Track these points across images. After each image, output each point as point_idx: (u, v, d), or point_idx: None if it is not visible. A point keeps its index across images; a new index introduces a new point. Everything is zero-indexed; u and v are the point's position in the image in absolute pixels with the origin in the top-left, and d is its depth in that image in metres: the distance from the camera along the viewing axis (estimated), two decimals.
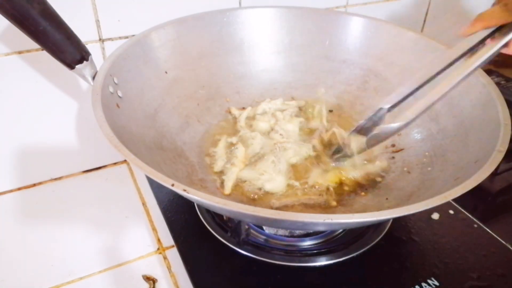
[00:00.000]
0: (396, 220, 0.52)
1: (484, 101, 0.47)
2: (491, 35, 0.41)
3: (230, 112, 0.61)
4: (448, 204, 0.54)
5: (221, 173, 0.52)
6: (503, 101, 0.45)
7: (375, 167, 0.52)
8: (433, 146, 0.51)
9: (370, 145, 0.47)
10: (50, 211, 0.56)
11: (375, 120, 0.46)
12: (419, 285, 0.44)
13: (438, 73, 0.43)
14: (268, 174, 0.50)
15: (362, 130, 0.48)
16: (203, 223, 0.51)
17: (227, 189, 0.49)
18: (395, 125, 0.44)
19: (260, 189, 0.50)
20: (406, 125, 0.43)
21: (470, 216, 0.53)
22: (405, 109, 0.44)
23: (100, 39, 0.56)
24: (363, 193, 0.50)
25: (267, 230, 0.50)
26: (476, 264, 0.46)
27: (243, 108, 0.61)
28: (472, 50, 0.41)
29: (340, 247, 0.48)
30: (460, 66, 0.42)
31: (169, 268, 0.49)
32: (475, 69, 0.41)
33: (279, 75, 0.64)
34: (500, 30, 0.40)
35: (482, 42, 0.41)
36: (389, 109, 0.45)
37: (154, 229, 0.54)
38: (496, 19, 0.40)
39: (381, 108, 0.45)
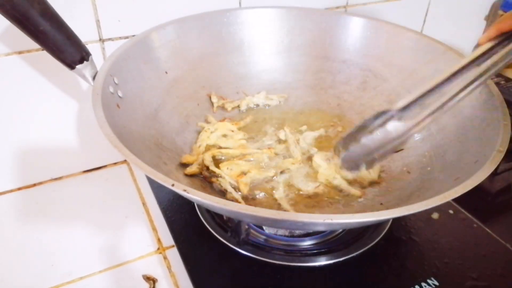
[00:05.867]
0: (396, 220, 0.52)
1: (484, 101, 0.47)
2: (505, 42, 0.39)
3: (209, 98, 0.60)
4: (448, 204, 0.54)
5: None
6: (503, 101, 0.45)
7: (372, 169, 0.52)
8: (433, 146, 0.51)
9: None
10: (50, 211, 0.56)
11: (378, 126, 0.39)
12: (419, 285, 0.44)
13: (448, 80, 0.39)
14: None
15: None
16: (203, 223, 0.51)
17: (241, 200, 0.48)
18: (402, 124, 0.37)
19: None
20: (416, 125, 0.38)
21: (470, 216, 0.53)
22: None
23: (100, 39, 0.56)
24: (362, 193, 0.50)
25: (267, 230, 0.50)
26: (476, 264, 0.46)
27: (223, 98, 0.61)
28: (485, 56, 0.39)
29: (340, 247, 0.48)
30: (471, 74, 0.39)
31: (169, 268, 0.49)
32: (485, 77, 0.39)
33: (279, 75, 0.65)
34: None
35: (495, 48, 0.39)
36: (397, 113, 0.38)
37: (154, 229, 0.54)
38: (510, 23, 0.38)
39: (386, 111, 0.38)
